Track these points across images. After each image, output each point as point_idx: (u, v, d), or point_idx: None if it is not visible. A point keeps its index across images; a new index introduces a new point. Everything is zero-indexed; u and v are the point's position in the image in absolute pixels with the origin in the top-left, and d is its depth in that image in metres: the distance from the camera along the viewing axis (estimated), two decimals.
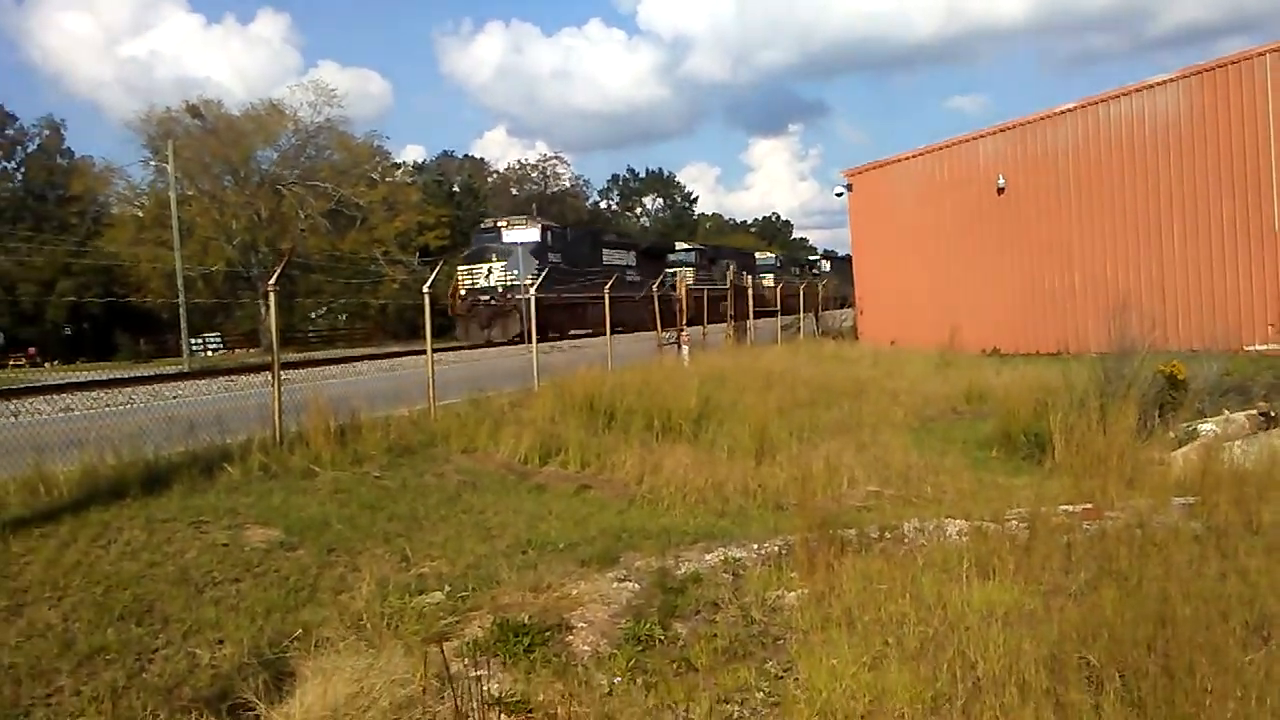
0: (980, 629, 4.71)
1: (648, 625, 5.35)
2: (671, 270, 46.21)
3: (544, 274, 25.52)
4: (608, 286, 21.17)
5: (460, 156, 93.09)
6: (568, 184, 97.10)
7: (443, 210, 67.35)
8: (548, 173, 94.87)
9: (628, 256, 46.90)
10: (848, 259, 59.59)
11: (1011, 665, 4.30)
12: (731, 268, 52.72)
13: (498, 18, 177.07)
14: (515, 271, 35.46)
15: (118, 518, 7.04)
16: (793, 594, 5.76)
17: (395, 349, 33.13)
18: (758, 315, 42.50)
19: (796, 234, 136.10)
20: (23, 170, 63.86)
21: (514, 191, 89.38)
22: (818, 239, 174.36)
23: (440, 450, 10.55)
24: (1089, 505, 7.27)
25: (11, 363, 49.53)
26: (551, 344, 29.88)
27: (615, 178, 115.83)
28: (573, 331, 36.84)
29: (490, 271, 36.61)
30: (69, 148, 64.93)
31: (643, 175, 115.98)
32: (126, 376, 20.89)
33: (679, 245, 57.91)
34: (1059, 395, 11.32)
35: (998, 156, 26.56)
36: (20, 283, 54.57)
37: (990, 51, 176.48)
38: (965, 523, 6.84)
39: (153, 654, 5.09)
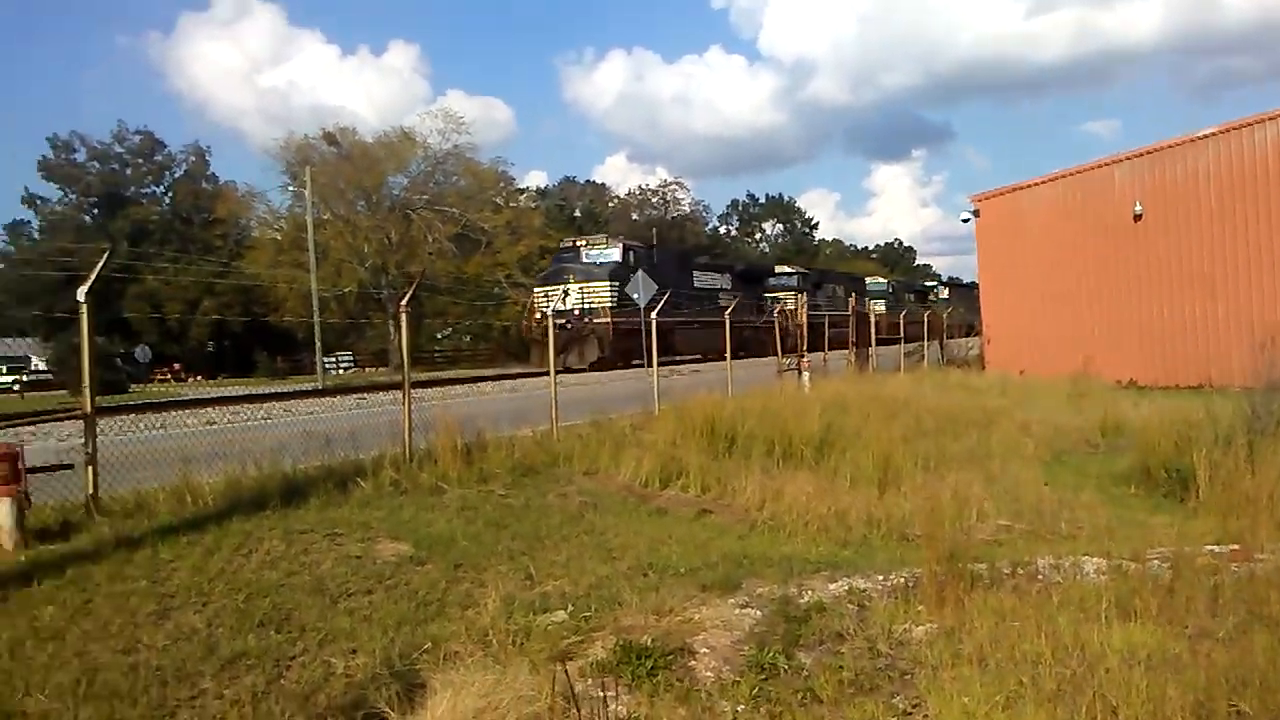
0: (1121, 672, 4.51)
1: (771, 654, 5.29)
2: (772, 295, 45.46)
3: (663, 296, 25.38)
4: (728, 311, 20.54)
5: (582, 182, 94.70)
6: (687, 209, 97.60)
7: (565, 234, 68.46)
8: (668, 198, 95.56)
9: (721, 279, 44.60)
10: (971, 285, 57.86)
11: (1156, 711, 4.11)
12: (839, 293, 50.69)
13: (620, 46, 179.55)
14: (597, 293, 34.26)
15: (258, 528, 7.32)
16: (920, 628, 5.63)
17: (517, 370, 33.52)
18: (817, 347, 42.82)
19: (920, 260, 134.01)
20: (171, 194, 67.39)
21: (634, 216, 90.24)
22: (941, 265, 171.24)
23: (563, 471, 10.67)
24: (1236, 546, 6.92)
25: (158, 377, 52.18)
26: (638, 370, 28.37)
27: (735, 203, 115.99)
28: (662, 359, 35.61)
29: (567, 294, 34.71)
30: (214, 173, 68.36)
31: (762, 200, 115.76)
32: (265, 393, 21.80)
33: (779, 269, 55.29)
34: (1202, 430, 10.83)
35: (1133, 183, 25.58)
36: (167, 302, 57.52)
37: (1122, 74, 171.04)
38: (1103, 561, 6.59)
39: (290, 661, 5.27)
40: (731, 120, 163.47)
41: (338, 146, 55.09)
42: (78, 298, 7.35)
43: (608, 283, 34.04)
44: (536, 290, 36.86)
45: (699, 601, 6.27)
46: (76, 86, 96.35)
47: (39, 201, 64.96)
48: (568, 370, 30.22)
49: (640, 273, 33.72)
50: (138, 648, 5.22)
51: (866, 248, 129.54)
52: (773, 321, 40.85)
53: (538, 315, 34.90)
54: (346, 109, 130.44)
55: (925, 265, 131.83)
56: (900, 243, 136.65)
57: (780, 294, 46.27)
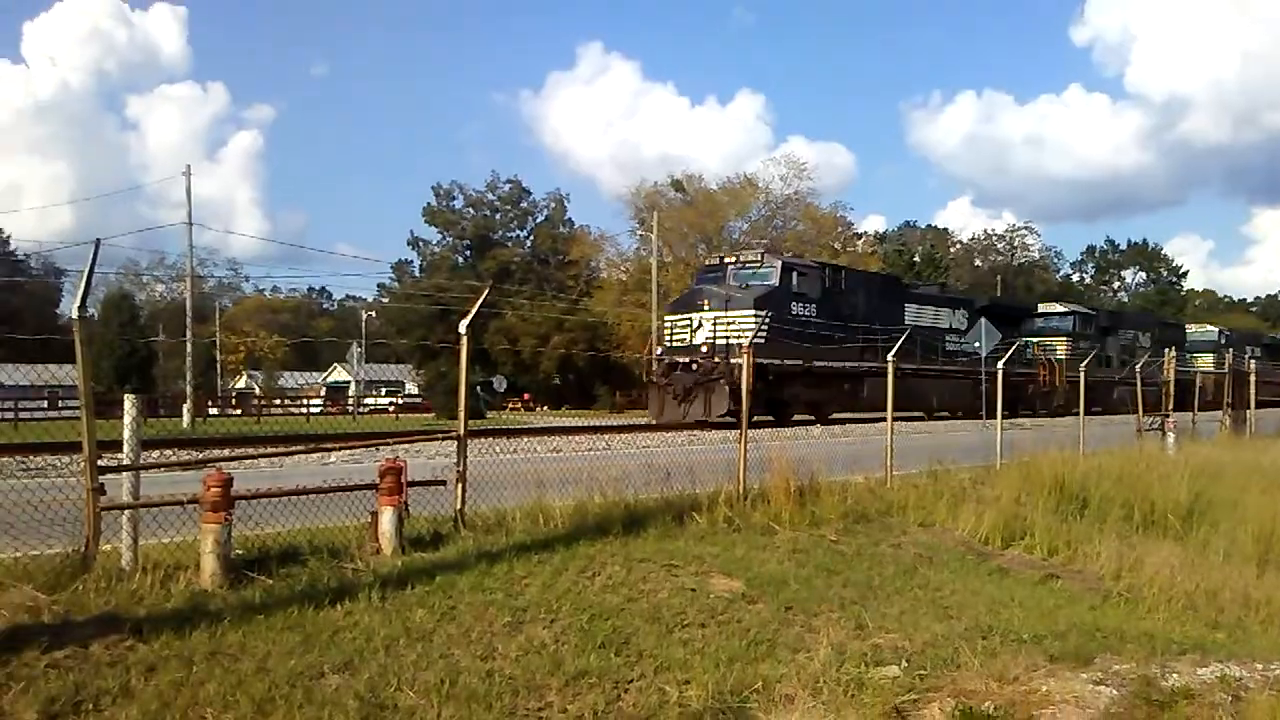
0: None
1: None
2: (1035, 339, 37.84)
3: (997, 342, 23.97)
4: (1003, 360, 17.16)
5: (922, 226, 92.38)
6: (1036, 255, 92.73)
7: (905, 279, 67.14)
8: (1015, 243, 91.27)
9: (952, 316, 34.61)
10: None
11: None
12: (1142, 340, 42.69)
13: (969, 88, 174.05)
14: (740, 324, 24.91)
15: (601, 552, 7.67)
16: None
17: (848, 415, 31.66)
18: (1181, 406, 36.09)
19: None
20: (532, 238, 72.85)
21: (977, 262, 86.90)
22: None
23: (897, 521, 10.39)
24: None
25: (509, 406, 56.32)
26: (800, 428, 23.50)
27: (1091, 249, 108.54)
28: (835, 414, 28.16)
29: (700, 325, 25.76)
30: (570, 218, 73.18)
31: (1123, 247, 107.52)
32: (606, 424, 22.89)
33: (1046, 306, 44.41)
34: None
35: None
36: (522, 336, 62.10)
37: None
38: None
39: (628, 684, 5.46)
40: (1089, 162, 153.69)
41: (683, 193, 57.41)
42: (459, 330, 8.12)
43: (753, 312, 25.27)
44: (667, 318, 28.49)
45: (1046, 672, 5.86)
46: (459, 140, 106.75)
47: (421, 243, 72.48)
48: (690, 424, 24.23)
49: (984, 321, 30.79)
50: (494, 655, 5.61)
51: (1244, 299, 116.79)
52: (1028, 374, 34.99)
53: (658, 351, 27.71)
54: (692, 157, 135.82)
55: None
56: None
57: (1048, 339, 38.70)
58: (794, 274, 27.58)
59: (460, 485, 8.00)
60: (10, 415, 36.00)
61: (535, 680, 5.35)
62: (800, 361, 26.02)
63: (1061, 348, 38.07)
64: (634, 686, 5.44)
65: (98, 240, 5.59)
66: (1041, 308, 43.25)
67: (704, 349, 24.94)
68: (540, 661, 5.59)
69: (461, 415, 8.23)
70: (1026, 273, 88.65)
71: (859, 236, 70.88)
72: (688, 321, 26.30)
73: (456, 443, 8.14)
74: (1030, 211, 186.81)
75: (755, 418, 23.03)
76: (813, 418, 27.10)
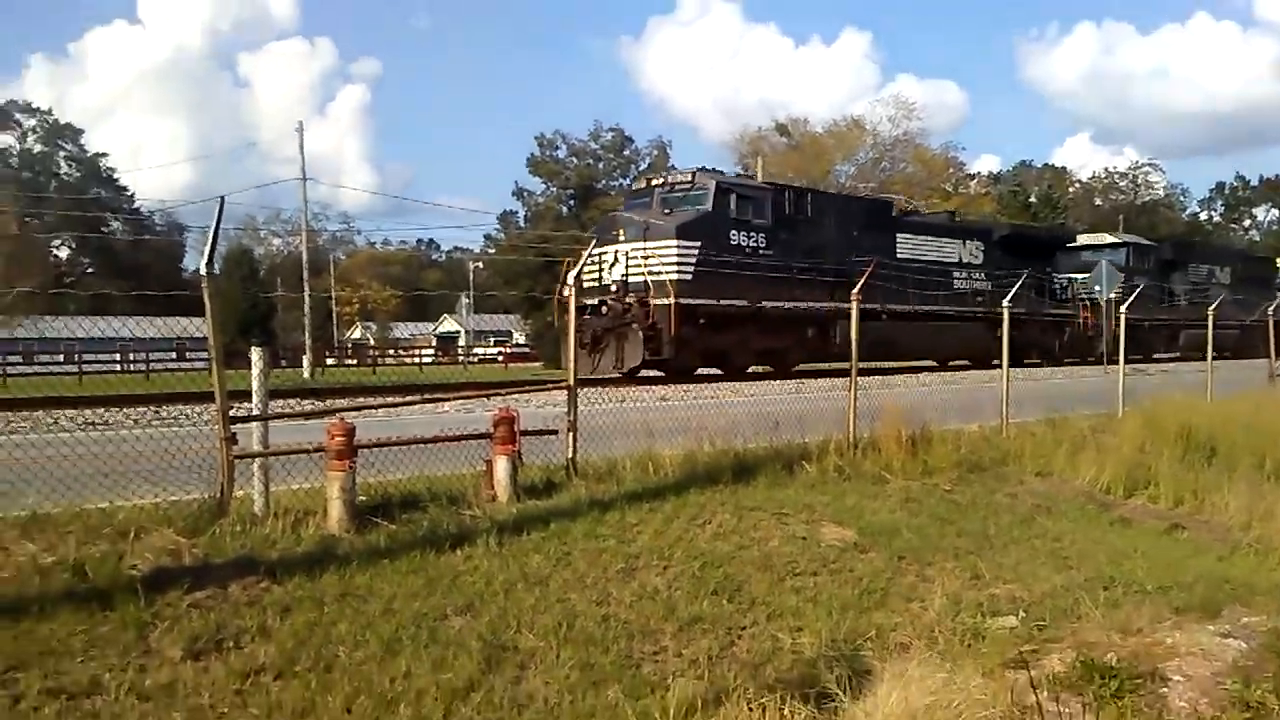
0: None
1: (1259, 691, 4.70)
2: (1075, 275, 32.01)
3: (1132, 291, 21.33)
4: (1009, 299, 13.04)
5: (1039, 166, 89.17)
6: (1161, 193, 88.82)
7: (1018, 221, 65.13)
8: (1138, 181, 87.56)
9: (963, 248, 28.79)
10: None
11: None
12: (1219, 276, 38.11)
13: (1088, 18, 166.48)
14: (661, 259, 20.35)
15: (711, 501, 7.72)
16: None
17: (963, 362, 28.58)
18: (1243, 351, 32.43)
19: None
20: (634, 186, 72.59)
21: (1097, 202, 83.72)
22: None
23: (1012, 470, 10.19)
24: None
25: None
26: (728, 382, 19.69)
27: (1220, 186, 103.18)
28: (800, 364, 23.46)
29: (616, 260, 21.06)
30: (673, 165, 72.69)
31: (1255, 183, 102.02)
32: (707, 373, 22.83)
33: (1086, 237, 37.40)
34: None
35: None
36: None
37: None
38: None
39: (741, 631, 5.53)
40: (1218, 94, 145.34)
41: (788, 136, 56.52)
42: (567, 280, 8.19)
43: (675, 243, 20.66)
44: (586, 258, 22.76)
45: (1171, 624, 5.72)
46: (561, 90, 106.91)
47: (525, 194, 73.03)
48: (591, 382, 16.41)
49: (1104, 263, 28.55)
50: (608, 600, 5.73)
51: None
52: (1061, 315, 30.56)
53: (565, 294, 22.54)
54: (796, 100, 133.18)
55: None
56: None
57: (1090, 274, 32.12)
58: (733, 196, 22.34)
59: (571, 434, 8.12)
60: (142, 367, 37.80)
61: (650, 625, 5.45)
62: (744, 302, 21.37)
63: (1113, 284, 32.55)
64: (747, 633, 5.50)
65: (222, 198, 5.81)
66: (1084, 238, 37.06)
67: (614, 288, 20.79)
68: (654, 607, 5.68)
69: (570, 366, 8.33)
70: (1150, 212, 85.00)
71: (972, 178, 68.93)
72: (603, 257, 21.17)
73: (567, 393, 8.25)
74: (1154, 148, 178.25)
75: (700, 370, 21.43)
76: (771, 369, 23.12)
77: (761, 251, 22.29)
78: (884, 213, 28.27)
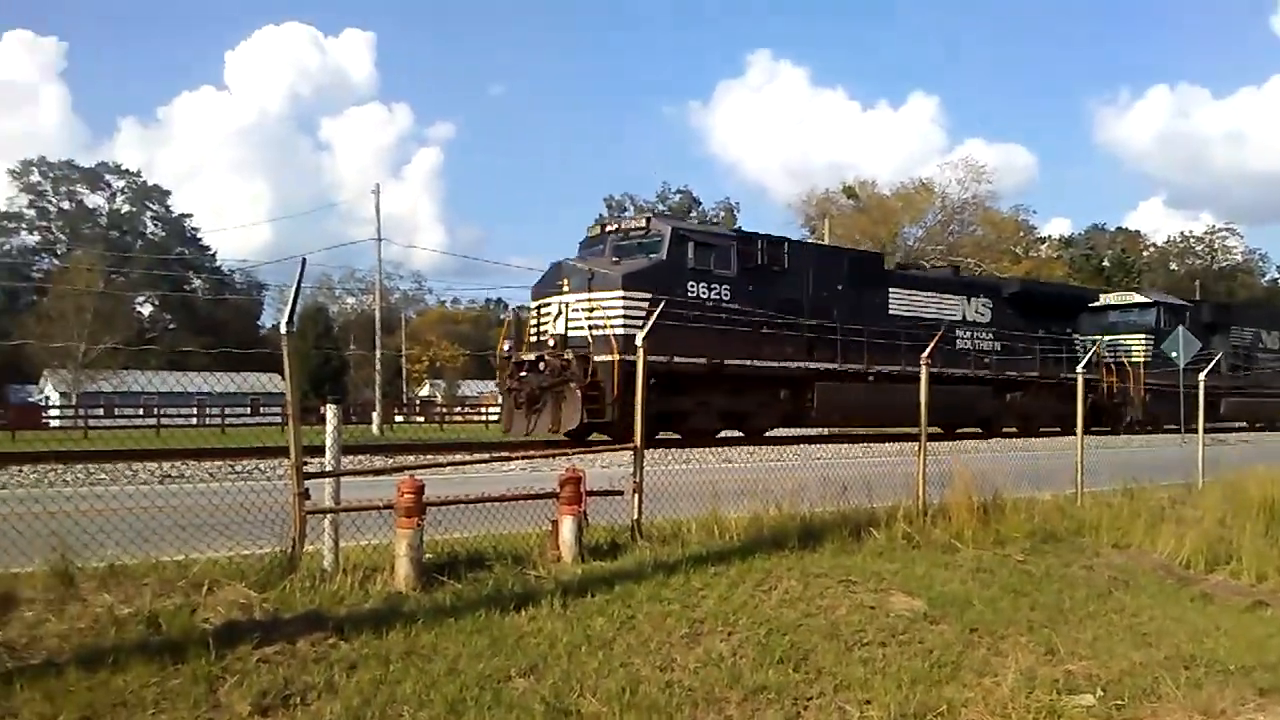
0: None
1: None
2: (1100, 336, 27.98)
3: (1198, 353, 21.88)
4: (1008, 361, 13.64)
5: (1112, 229, 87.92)
6: (1239, 258, 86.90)
7: (1092, 285, 64.12)
8: (1215, 246, 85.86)
9: (966, 306, 26.60)
10: None
11: None
12: (1269, 342, 35.86)
13: (1162, 82, 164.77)
14: (605, 312, 18.94)
15: (777, 566, 7.62)
16: None
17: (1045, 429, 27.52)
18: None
19: None
20: None
21: (1173, 266, 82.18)
22: None
23: (1088, 541, 9.92)
24: None
25: None
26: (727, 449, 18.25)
27: None
28: (772, 429, 22.54)
29: (559, 311, 19.81)
30: (739, 226, 73.15)
31: None
32: (781, 436, 22.69)
33: (1111, 297, 34.20)
34: None
35: None
36: None
37: None
38: None
39: (807, 701, 5.42)
40: None
41: (855, 198, 56.58)
42: (636, 342, 8.27)
43: (622, 294, 19.07)
44: (530, 306, 21.96)
45: (1255, 706, 5.52)
46: (630, 153, 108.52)
47: None
48: (531, 442, 17.67)
49: (1181, 330, 26.84)
50: (673, 666, 5.66)
51: None
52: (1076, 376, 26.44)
53: (504, 350, 21.28)
54: (863, 163, 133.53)
55: None
56: None
57: (1121, 336, 30.56)
58: (690, 245, 20.60)
59: (637, 496, 8.12)
60: (218, 421, 38.69)
61: (714, 693, 5.37)
62: (702, 360, 19.64)
63: (1138, 347, 30.76)
64: (813, 704, 5.39)
65: (303, 259, 5.98)
66: (1109, 298, 34.20)
67: (551, 342, 19.37)
68: (719, 674, 5.60)
69: (638, 427, 8.34)
70: (1228, 277, 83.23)
71: (1042, 241, 68.21)
72: (547, 308, 20.21)
73: (633, 454, 8.26)
74: (1231, 212, 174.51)
75: (658, 434, 18.53)
76: (740, 433, 21.66)
77: (724, 305, 20.46)
78: (871, 266, 25.82)
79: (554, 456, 10.46)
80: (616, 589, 6.68)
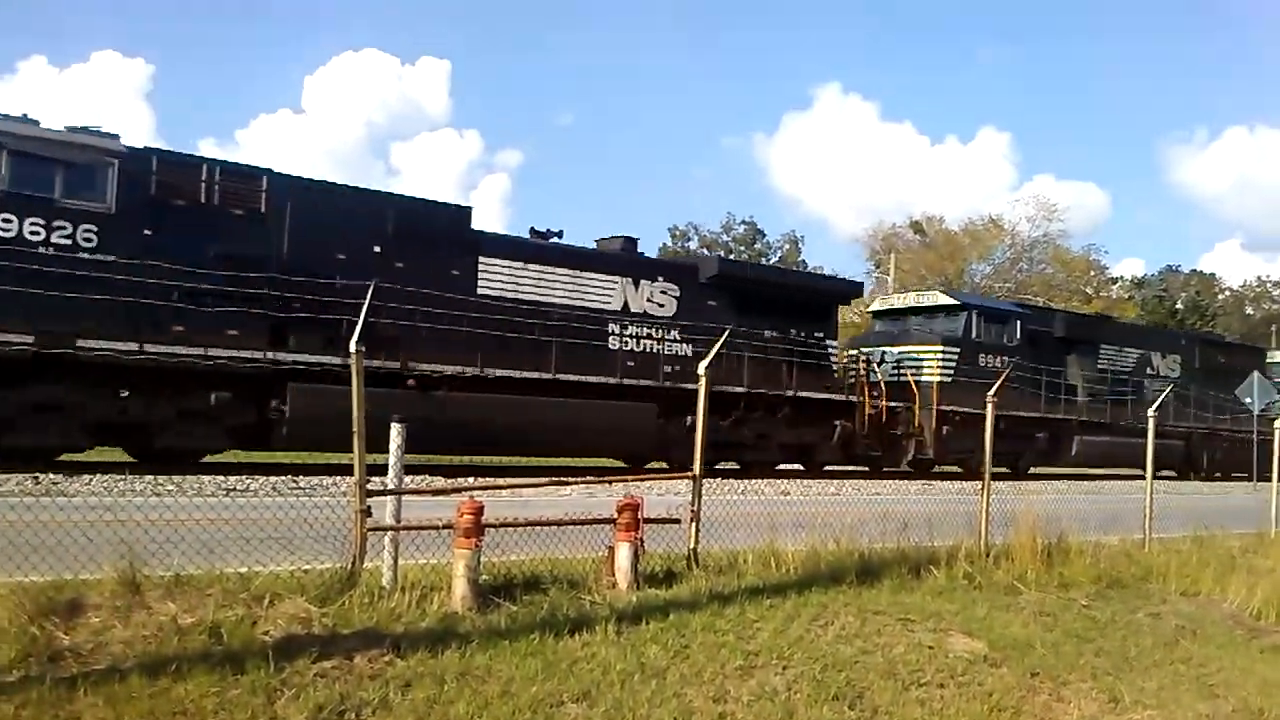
0: None
1: None
2: (886, 347, 24.72)
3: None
4: None
5: (1186, 271, 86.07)
6: None
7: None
8: None
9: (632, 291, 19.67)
10: None
11: None
12: (1160, 364, 30.80)
13: (1240, 123, 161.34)
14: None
15: (834, 601, 7.53)
16: None
17: (1107, 472, 27.46)
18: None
19: None
20: None
21: (1249, 310, 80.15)
22: None
23: (1155, 588, 9.67)
24: None
25: None
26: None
27: None
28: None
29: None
30: (804, 259, 72.83)
31: None
32: (837, 468, 22.51)
33: (909, 297, 28.43)
34: None
35: None
36: None
37: None
38: None
39: None
40: None
41: (922, 234, 56.11)
42: (699, 371, 8.27)
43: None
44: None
45: None
46: (693, 185, 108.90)
47: None
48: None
49: (1256, 376, 27.01)
50: (726, 698, 5.62)
51: None
52: (830, 399, 21.06)
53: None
54: (931, 198, 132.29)
55: None
56: None
57: (915, 347, 24.43)
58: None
59: (694, 524, 8.08)
60: None
61: None
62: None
63: (933, 362, 24.03)
64: None
65: (374, 282, 6.06)
66: (906, 299, 28.26)
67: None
68: (772, 709, 5.56)
69: (697, 455, 8.33)
70: None
71: (1114, 281, 66.93)
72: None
73: (692, 482, 8.23)
74: None
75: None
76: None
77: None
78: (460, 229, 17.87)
79: (611, 483, 10.45)
80: (671, 618, 6.64)
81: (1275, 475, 14.31)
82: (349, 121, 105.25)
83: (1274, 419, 15.71)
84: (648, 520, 7.51)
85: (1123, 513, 12.19)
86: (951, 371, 23.64)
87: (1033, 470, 25.26)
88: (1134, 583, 9.70)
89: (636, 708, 5.25)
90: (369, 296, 6.39)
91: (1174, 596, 9.54)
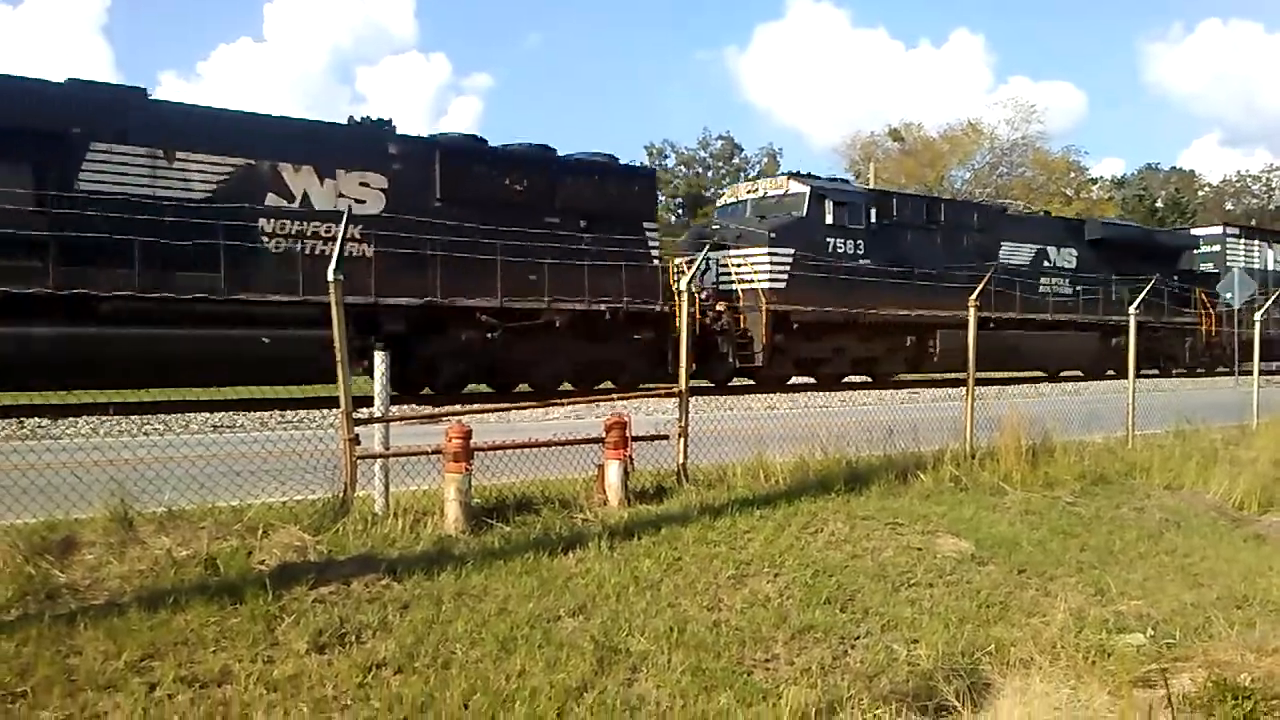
0: None
1: None
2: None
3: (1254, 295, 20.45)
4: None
5: (1165, 169, 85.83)
6: None
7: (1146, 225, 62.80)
8: (1272, 184, 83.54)
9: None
10: None
11: None
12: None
13: (1214, 16, 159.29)
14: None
15: (823, 509, 7.63)
16: None
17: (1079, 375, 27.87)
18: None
19: None
20: None
21: (1228, 205, 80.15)
22: None
23: (1139, 483, 9.82)
24: None
25: None
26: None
27: None
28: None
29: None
30: (784, 171, 72.23)
31: None
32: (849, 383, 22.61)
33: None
34: None
35: None
36: None
37: None
38: None
39: (854, 640, 5.44)
40: None
41: (901, 141, 55.69)
42: (679, 288, 8.24)
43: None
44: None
45: None
46: (667, 101, 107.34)
47: None
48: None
49: (1237, 270, 27.07)
50: (719, 606, 5.71)
51: None
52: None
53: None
54: (907, 104, 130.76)
55: None
56: None
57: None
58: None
59: (682, 440, 8.14)
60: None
61: (761, 632, 5.40)
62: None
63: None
64: (860, 643, 5.41)
65: (349, 209, 5.99)
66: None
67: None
68: (765, 614, 5.64)
69: (682, 372, 8.36)
70: None
71: (1094, 182, 66.76)
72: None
73: (678, 399, 8.27)
74: None
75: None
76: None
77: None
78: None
79: (598, 403, 10.50)
80: (663, 532, 6.72)
81: (1255, 370, 14.47)
82: (312, 48, 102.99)
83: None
84: (636, 438, 7.56)
85: (1107, 412, 12.32)
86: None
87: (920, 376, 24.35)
88: (1118, 479, 9.85)
89: (632, 619, 5.33)
90: (344, 223, 6.30)
91: (1158, 490, 9.69)
